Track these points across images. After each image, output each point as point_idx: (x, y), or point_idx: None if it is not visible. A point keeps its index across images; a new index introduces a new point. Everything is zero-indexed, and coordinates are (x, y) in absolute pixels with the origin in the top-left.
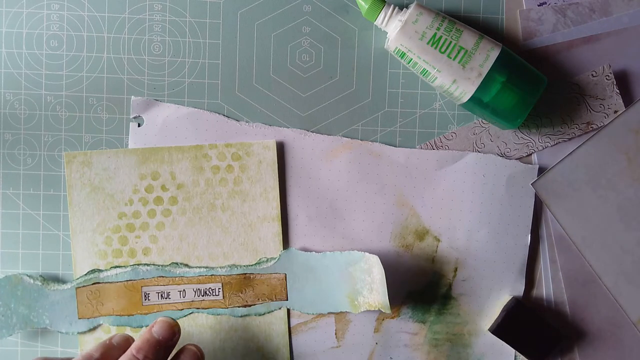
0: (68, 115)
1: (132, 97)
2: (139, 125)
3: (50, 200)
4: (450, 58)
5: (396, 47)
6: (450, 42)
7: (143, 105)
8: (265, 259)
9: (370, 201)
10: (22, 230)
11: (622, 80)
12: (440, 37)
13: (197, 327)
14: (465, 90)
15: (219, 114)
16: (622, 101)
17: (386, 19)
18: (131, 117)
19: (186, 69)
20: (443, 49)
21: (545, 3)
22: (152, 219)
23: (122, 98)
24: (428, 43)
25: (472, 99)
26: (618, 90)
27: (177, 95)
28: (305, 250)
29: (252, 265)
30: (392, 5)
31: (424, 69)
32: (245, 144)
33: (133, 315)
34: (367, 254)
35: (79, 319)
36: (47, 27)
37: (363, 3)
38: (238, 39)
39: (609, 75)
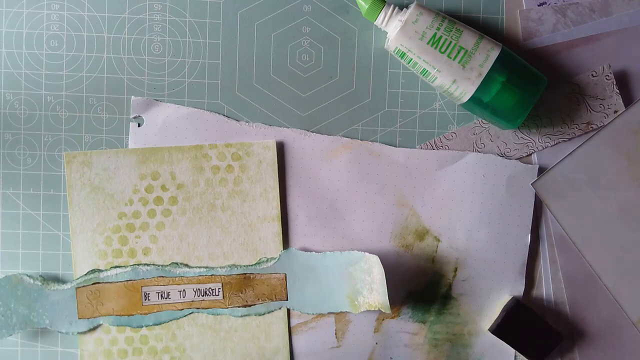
0: (68, 115)
1: (132, 97)
2: (139, 125)
3: (50, 200)
4: (450, 58)
5: (396, 47)
6: (450, 42)
7: (143, 105)
8: (265, 259)
9: (370, 201)
10: (22, 230)
11: (622, 80)
12: (440, 37)
13: (197, 327)
14: (465, 90)
15: (219, 114)
16: (622, 101)
17: (386, 19)
18: (131, 117)
19: (186, 69)
20: (443, 49)
21: (545, 3)
22: (152, 219)
23: (122, 98)
24: (428, 43)
25: (472, 99)
26: (618, 90)
27: (177, 95)
28: (305, 250)
29: (252, 265)
30: (392, 5)
31: (424, 69)
32: (245, 144)
33: (133, 315)
34: (367, 254)
35: (79, 319)
36: (47, 27)
37: (363, 3)
38: (238, 39)
39: (609, 75)
